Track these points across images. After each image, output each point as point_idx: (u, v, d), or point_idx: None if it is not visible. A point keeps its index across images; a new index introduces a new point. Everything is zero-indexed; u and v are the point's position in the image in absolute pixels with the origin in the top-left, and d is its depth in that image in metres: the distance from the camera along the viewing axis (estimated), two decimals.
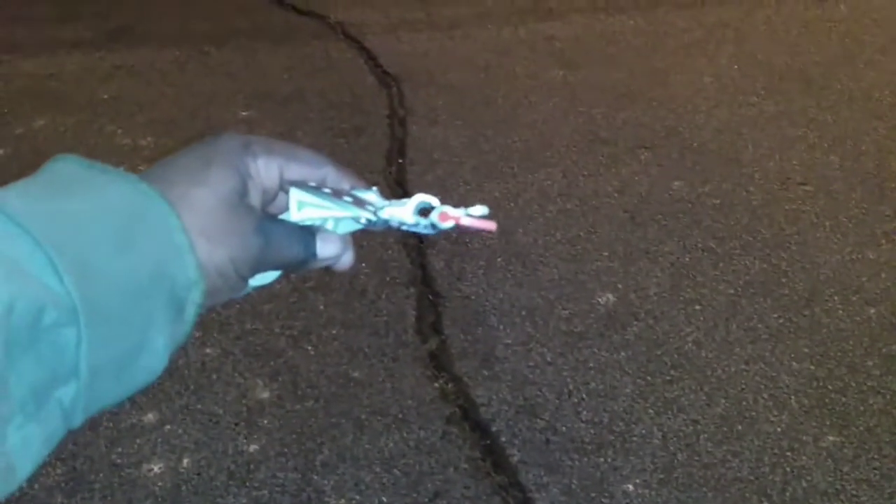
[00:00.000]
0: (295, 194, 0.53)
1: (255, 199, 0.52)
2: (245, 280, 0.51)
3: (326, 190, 0.54)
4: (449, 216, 0.52)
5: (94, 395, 0.42)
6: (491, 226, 0.52)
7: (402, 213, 0.53)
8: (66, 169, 0.45)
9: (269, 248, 0.50)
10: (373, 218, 0.53)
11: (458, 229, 0.52)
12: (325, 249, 0.54)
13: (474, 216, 0.52)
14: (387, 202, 0.54)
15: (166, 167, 0.49)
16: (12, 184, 0.44)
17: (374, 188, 0.56)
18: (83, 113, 3.33)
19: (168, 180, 0.48)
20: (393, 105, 3.36)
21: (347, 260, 0.56)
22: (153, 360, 0.45)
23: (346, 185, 0.55)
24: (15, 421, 0.38)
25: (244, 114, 3.31)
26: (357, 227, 0.55)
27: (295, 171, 0.53)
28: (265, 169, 0.52)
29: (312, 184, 0.54)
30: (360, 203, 0.54)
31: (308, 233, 0.53)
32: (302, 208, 0.54)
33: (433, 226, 0.52)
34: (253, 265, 0.50)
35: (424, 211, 0.53)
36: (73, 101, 3.42)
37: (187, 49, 3.81)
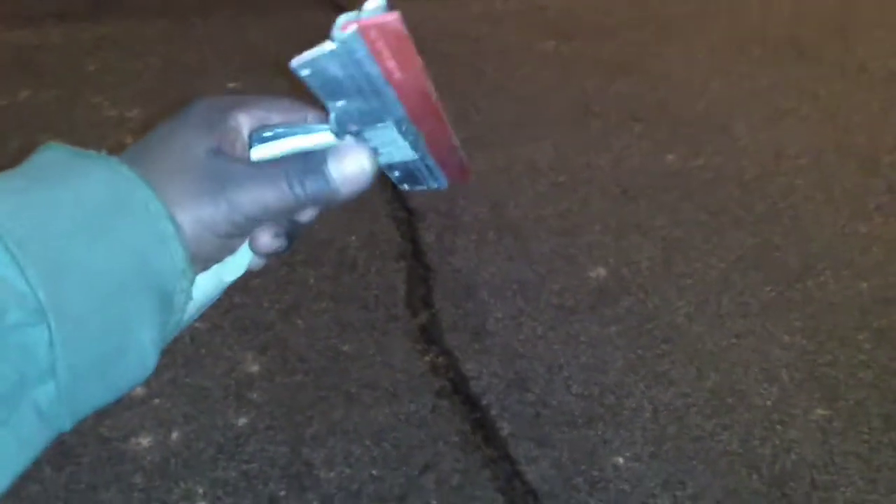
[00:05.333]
0: (259, 153, 0.49)
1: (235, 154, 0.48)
2: (232, 238, 0.47)
3: (283, 127, 0.49)
4: (348, 22, 0.44)
5: (80, 397, 0.39)
6: (391, 17, 0.43)
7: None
8: (48, 158, 0.42)
9: (241, 200, 0.45)
10: (335, 127, 0.48)
11: (362, 30, 0.43)
12: (344, 166, 0.47)
13: (370, 11, 0.44)
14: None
15: (143, 145, 0.46)
16: None
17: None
18: (68, 84, 3.28)
19: (146, 160, 0.44)
20: None
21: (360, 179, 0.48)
22: (141, 356, 0.41)
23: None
24: None
25: (231, 85, 3.27)
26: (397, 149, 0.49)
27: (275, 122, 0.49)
28: (245, 128, 0.48)
29: (266, 129, 0.49)
30: (318, 122, 0.49)
31: (290, 165, 0.47)
32: (255, 146, 0.49)
33: (339, 47, 0.44)
34: (231, 224, 0.46)
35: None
36: (59, 73, 3.37)
37: (174, 20, 3.75)
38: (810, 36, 3.64)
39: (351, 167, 0.47)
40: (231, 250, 0.48)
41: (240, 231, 0.46)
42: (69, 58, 3.47)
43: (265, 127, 0.49)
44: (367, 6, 0.44)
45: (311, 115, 0.50)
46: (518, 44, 3.56)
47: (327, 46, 0.44)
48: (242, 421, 1.95)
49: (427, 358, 2.12)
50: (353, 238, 2.49)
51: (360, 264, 2.41)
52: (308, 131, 0.49)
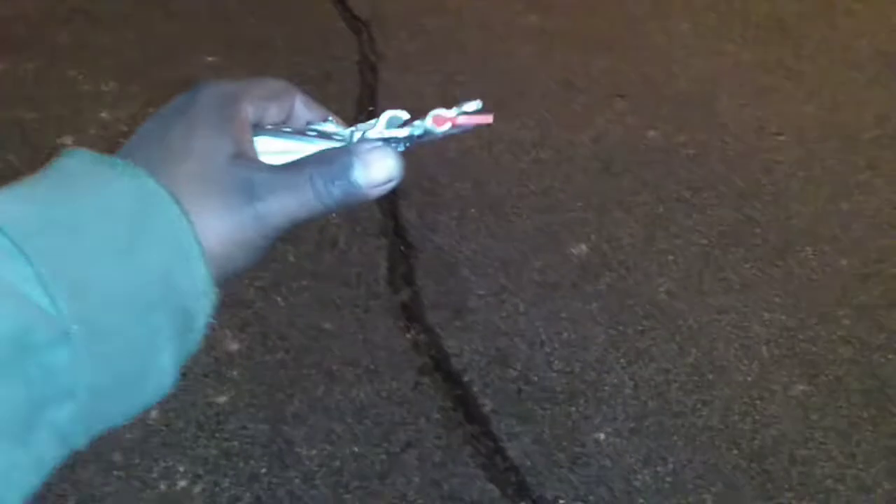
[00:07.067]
0: (258, 145, 0.48)
1: (250, 152, 0.46)
2: (260, 248, 0.45)
3: (288, 129, 0.49)
4: (444, 118, 0.47)
5: (97, 416, 0.39)
6: (488, 119, 0.47)
7: (375, 132, 0.48)
8: (72, 165, 0.41)
9: (269, 214, 0.44)
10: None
11: (455, 128, 0.47)
12: (372, 173, 0.45)
13: (469, 112, 0.47)
14: (353, 128, 0.49)
15: (157, 144, 0.44)
16: (12, 185, 0.39)
17: (329, 118, 0.51)
18: (43, 58, 3.21)
19: (166, 164, 0.43)
20: (363, 51, 3.28)
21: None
22: (160, 376, 0.41)
23: (315, 113, 0.51)
24: None
25: (210, 59, 3.21)
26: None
27: (273, 113, 0.49)
28: (253, 117, 0.47)
29: (269, 126, 0.49)
30: (325, 136, 0.49)
31: (314, 171, 0.45)
32: (258, 136, 0.49)
33: (423, 133, 0.47)
34: (261, 237, 0.44)
35: (396, 122, 0.48)
36: (33, 46, 3.29)
37: None
38: (794, 13, 3.63)
39: (378, 174, 0.46)
40: (258, 258, 0.46)
41: (267, 242, 0.45)
42: (43, 31, 3.40)
43: (271, 126, 0.49)
44: (468, 107, 0.47)
45: (300, 97, 0.51)
46: (500, 18, 3.53)
47: (412, 130, 0.47)
48: (222, 399, 1.94)
49: (408, 335, 2.11)
50: (334, 215, 2.46)
51: (340, 241, 2.39)
52: (313, 141, 0.49)
